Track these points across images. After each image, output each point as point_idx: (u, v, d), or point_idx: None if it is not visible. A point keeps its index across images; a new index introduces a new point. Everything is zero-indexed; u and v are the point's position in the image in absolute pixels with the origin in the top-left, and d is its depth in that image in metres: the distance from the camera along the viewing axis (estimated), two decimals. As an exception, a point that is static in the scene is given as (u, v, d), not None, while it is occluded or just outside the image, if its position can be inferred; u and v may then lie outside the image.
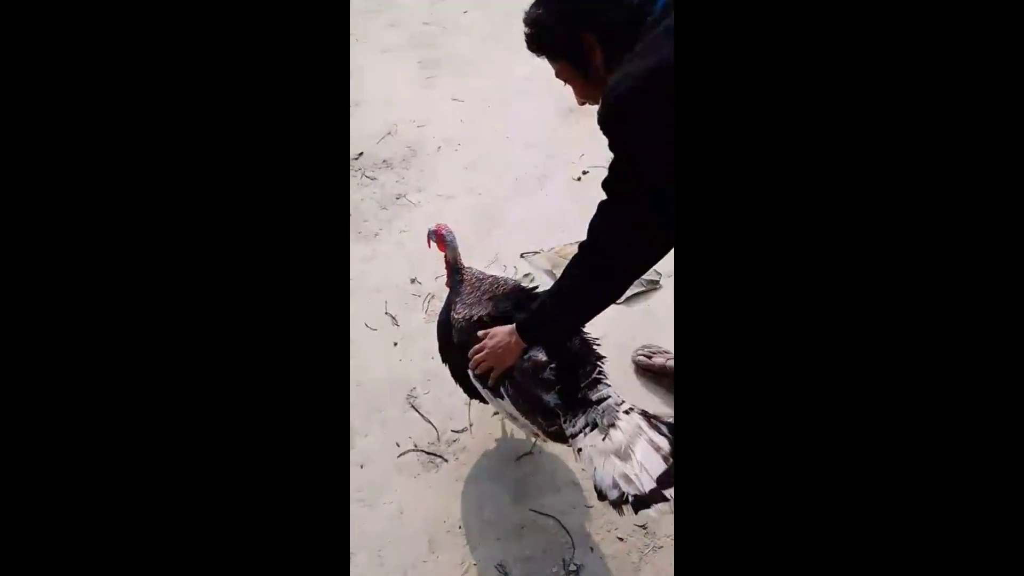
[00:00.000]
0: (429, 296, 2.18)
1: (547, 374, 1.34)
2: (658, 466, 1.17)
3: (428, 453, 1.76)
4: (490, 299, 1.50)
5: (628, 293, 2.08)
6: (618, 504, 1.17)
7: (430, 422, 1.83)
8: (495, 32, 3.45)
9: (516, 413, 1.41)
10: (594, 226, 1.18)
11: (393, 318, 2.12)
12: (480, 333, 1.41)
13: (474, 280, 1.56)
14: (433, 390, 1.90)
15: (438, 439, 1.79)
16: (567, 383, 1.34)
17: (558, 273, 2.28)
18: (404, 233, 2.42)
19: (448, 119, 2.95)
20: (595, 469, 1.22)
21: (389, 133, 2.89)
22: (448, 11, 3.71)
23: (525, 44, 1.19)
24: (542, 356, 1.35)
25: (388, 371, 1.96)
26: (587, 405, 1.29)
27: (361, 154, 2.79)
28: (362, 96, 3.08)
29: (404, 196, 2.59)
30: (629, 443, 1.21)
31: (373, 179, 2.68)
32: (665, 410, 1.71)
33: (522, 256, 2.29)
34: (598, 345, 1.43)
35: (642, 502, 1.15)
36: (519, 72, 3.07)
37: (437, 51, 3.41)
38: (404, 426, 1.83)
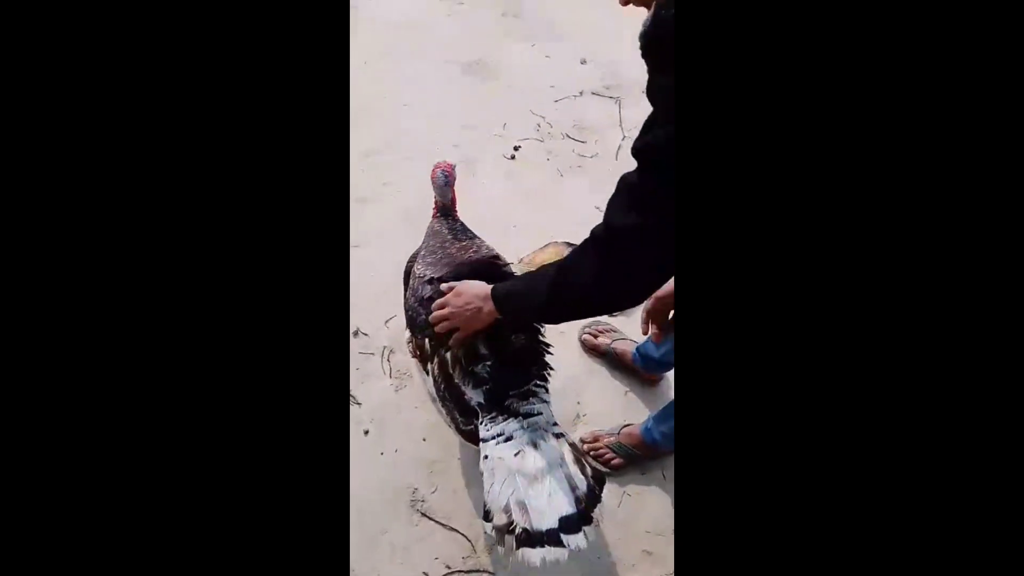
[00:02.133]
0: (387, 351, 1.69)
1: (480, 369, 1.17)
2: (565, 507, 1.03)
3: (468, 572, 1.36)
4: (454, 263, 1.27)
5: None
6: (502, 532, 1.03)
7: (455, 529, 1.41)
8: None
9: (435, 396, 1.27)
10: (615, 206, 0.89)
11: (352, 398, 1.62)
12: (445, 286, 1.21)
13: (454, 232, 1.32)
14: (441, 483, 1.47)
15: (473, 549, 1.39)
16: (499, 385, 1.16)
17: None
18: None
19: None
20: (491, 484, 1.07)
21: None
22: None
23: None
24: (482, 348, 1.18)
25: (373, 474, 1.49)
26: (510, 415, 1.14)
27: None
28: None
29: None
30: (542, 469, 1.06)
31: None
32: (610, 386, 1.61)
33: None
34: (550, 353, 1.25)
35: (529, 539, 1.01)
36: None
37: None
38: (421, 543, 1.40)
